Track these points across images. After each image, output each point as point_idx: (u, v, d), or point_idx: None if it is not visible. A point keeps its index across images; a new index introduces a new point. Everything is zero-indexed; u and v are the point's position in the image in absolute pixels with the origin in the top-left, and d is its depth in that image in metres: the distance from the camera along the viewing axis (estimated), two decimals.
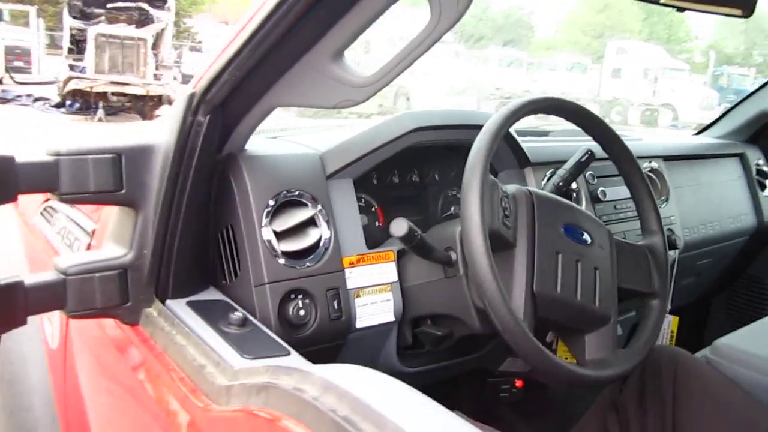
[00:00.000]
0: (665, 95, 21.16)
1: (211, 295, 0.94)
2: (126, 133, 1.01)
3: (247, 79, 0.84)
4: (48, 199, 1.37)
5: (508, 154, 1.25)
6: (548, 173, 1.30)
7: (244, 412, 0.61)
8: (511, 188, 0.98)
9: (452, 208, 1.28)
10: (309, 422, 0.53)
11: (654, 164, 1.58)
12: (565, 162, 1.27)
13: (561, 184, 1.19)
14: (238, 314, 0.82)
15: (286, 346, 0.78)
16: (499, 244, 0.90)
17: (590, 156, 1.20)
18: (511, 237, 0.93)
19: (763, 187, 1.93)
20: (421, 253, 0.98)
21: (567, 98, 1.02)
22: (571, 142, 1.44)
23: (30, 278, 0.80)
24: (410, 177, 1.23)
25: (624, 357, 0.96)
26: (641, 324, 1.02)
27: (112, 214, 1.02)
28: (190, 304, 0.89)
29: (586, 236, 0.99)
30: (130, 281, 0.86)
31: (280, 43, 0.80)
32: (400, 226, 0.90)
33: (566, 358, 1.02)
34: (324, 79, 0.87)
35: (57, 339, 1.14)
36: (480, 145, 0.89)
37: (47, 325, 1.20)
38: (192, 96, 0.85)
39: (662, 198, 1.57)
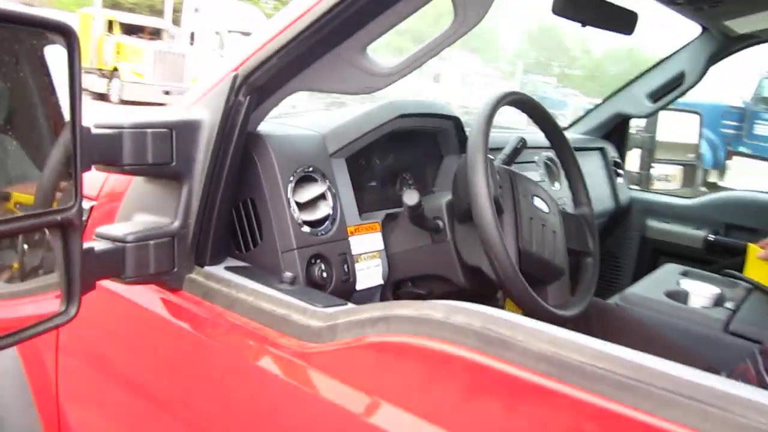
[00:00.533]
0: (479, 100, 22.94)
1: (233, 262, 1.02)
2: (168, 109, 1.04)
3: (288, 65, 0.94)
4: None
5: (454, 142, 1.44)
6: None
7: (361, 341, 0.73)
8: (495, 165, 1.17)
9: (403, 189, 1.44)
10: (445, 336, 0.66)
11: (550, 153, 1.86)
12: (494, 149, 1.49)
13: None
14: (290, 274, 0.92)
15: (340, 299, 0.90)
16: (497, 210, 1.08)
17: (524, 143, 1.42)
18: (502, 204, 1.11)
19: (618, 175, 2.32)
20: (417, 221, 1.13)
21: (529, 95, 1.23)
22: (495, 132, 1.67)
23: (97, 245, 0.84)
24: (374, 160, 1.37)
25: (576, 301, 1.19)
26: (582, 277, 1.26)
27: (116, 190, 1.06)
28: (228, 269, 0.96)
29: (545, 206, 1.21)
30: (176, 248, 0.92)
31: (328, 35, 0.91)
32: (412, 197, 1.05)
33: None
34: (350, 68, 0.99)
35: None
36: (478, 128, 1.06)
37: None
38: (236, 77, 0.93)
39: (557, 182, 1.86)
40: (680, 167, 2.74)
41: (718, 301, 1.48)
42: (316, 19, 0.88)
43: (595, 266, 1.28)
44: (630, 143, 2.46)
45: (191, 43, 17.36)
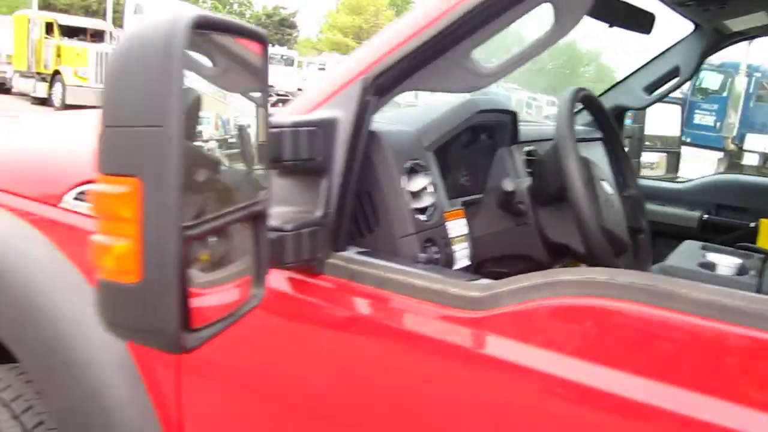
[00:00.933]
0: (425, 95, 23.30)
1: (355, 248, 1.12)
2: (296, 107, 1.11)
3: (409, 68, 1.04)
4: (83, 183, 1.35)
5: (508, 135, 1.57)
6: (525, 149, 1.65)
7: (530, 305, 0.84)
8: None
9: (461, 179, 1.56)
10: (612, 294, 0.78)
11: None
12: (533, 141, 1.63)
13: None
14: (425, 255, 1.03)
15: (475, 275, 1.01)
16: None
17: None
18: None
19: None
20: (505, 205, 1.26)
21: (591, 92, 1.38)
22: (528, 126, 1.81)
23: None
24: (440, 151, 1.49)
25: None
26: (639, 250, 1.41)
27: None
28: (360, 253, 1.06)
29: (610, 189, 1.35)
30: (319, 236, 1.02)
31: (446, 42, 1.02)
32: (510, 184, 1.18)
33: None
34: (458, 69, 1.10)
35: None
36: (564, 121, 1.20)
37: None
38: (366, 79, 1.03)
39: None
40: (664, 155, 2.96)
41: (742, 270, 1.66)
42: (442, 29, 0.99)
43: (648, 241, 1.43)
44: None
45: None
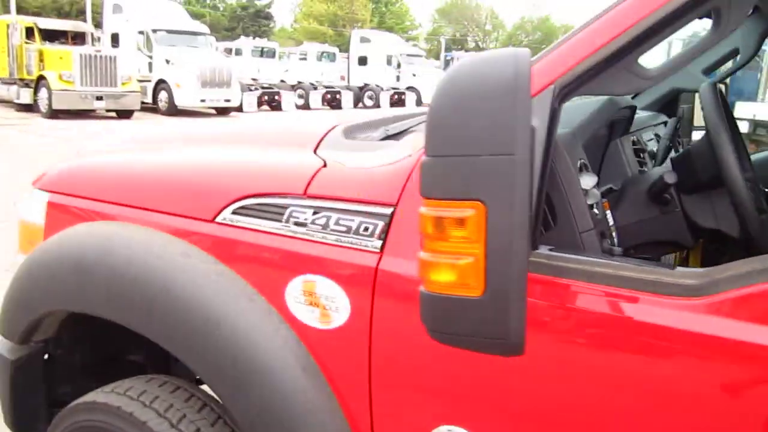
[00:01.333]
0: (408, 79, 23.25)
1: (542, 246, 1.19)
2: None
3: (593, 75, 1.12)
4: (241, 198, 1.40)
5: (622, 127, 1.67)
6: (633, 138, 1.75)
7: (757, 289, 0.93)
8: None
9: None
10: None
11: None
12: (636, 131, 1.73)
13: (670, 144, 1.65)
14: (619, 248, 1.11)
15: (666, 264, 1.10)
16: None
17: (681, 122, 1.66)
18: None
19: (679, 144, 2.60)
20: (656, 196, 1.35)
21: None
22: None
23: None
24: None
25: None
26: (765, 229, 1.52)
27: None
28: (552, 249, 1.14)
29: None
30: None
31: (630, 49, 1.10)
32: (672, 176, 1.27)
33: None
34: (626, 74, 1.18)
35: (345, 316, 1.25)
36: (715, 113, 1.29)
37: (297, 306, 1.29)
38: (555, 88, 1.11)
39: None
40: None
41: None
42: (629, 40, 1.07)
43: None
44: None
45: (114, 45, 16.82)
